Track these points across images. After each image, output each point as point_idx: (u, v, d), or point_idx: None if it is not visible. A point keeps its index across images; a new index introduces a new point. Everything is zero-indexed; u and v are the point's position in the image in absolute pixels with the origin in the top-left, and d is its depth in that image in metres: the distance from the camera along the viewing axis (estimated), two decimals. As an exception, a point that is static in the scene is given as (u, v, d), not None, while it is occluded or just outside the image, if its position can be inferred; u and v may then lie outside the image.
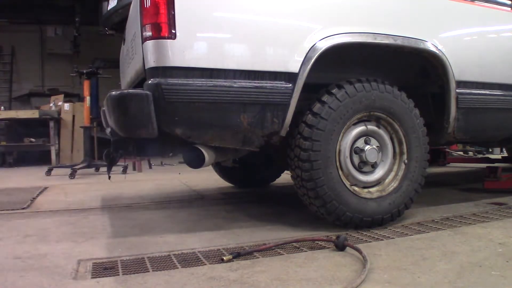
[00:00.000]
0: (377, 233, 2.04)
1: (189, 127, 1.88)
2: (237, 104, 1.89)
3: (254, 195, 3.41)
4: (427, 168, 2.28)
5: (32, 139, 7.29)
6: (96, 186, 4.31)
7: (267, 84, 1.92)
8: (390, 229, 2.11)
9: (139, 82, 2.07)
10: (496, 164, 3.62)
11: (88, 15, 8.01)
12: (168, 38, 1.78)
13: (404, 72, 2.51)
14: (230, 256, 1.65)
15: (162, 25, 1.78)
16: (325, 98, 2.03)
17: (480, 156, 6.52)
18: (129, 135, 1.95)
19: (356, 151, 2.13)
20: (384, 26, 2.14)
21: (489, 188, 3.07)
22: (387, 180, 2.21)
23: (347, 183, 2.09)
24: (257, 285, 1.39)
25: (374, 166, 2.18)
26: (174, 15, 1.78)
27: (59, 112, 7.55)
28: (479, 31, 2.55)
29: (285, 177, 3.33)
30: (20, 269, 1.59)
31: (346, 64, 2.28)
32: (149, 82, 1.80)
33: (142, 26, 1.85)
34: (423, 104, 2.42)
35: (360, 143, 2.15)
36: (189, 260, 1.67)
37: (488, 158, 4.70)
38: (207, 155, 2.01)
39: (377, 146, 2.17)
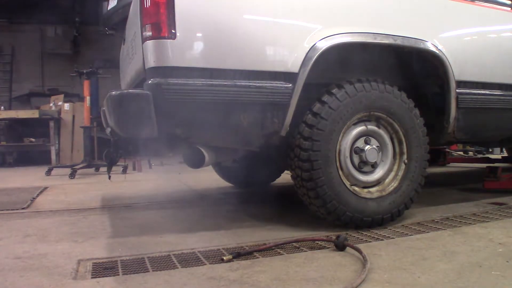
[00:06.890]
0: (377, 233, 2.04)
1: (189, 127, 1.88)
2: (237, 104, 1.89)
3: (254, 195, 3.41)
4: (427, 168, 2.28)
5: (32, 139, 7.30)
6: (96, 186, 4.31)
7: (267, 84, 1.92)
8: (390, 229, 2.11)
9: (139, 82, 2.07)
10: (496, 164, 3.61)
11: (88, 15, 8.01)
12: (168, 38, 1.78)
13: (404, 72, 2.51)
14: (230, 256, 1.65)
15: (162, 25, 1.78)
16: (325, 98, 2.03)
17: (480, 156, 6.51)
18: (129, 135, 1.95)
19: (356, 151, 2.13)
20: (384, 26, 2.14)
21: (489, 188, 3.07)
22: (387, 180, 2.21)
23: (347, 183, 2.09)
24: (257, 285, 1.39)
25: (374, 166, 2.18)
26: (174, 15, 1.78)
27: (59, 112, 7.55)
28: (479, 31, 2.55)
29: (285, 177, 3.33)
30: (20, 269, 1.59)
31: (346, 64, 2.28)
32: (149, 82, 1.80)
33: (142, 26, 1.85)
34: (423, 104, 2.42)
35: (360, 143, 2.15)
36: (189, 260, 1.67)
37: (488, 158, 4.69)
38: (207, 155, 2.01)
39: (377, 146, 2.17)
